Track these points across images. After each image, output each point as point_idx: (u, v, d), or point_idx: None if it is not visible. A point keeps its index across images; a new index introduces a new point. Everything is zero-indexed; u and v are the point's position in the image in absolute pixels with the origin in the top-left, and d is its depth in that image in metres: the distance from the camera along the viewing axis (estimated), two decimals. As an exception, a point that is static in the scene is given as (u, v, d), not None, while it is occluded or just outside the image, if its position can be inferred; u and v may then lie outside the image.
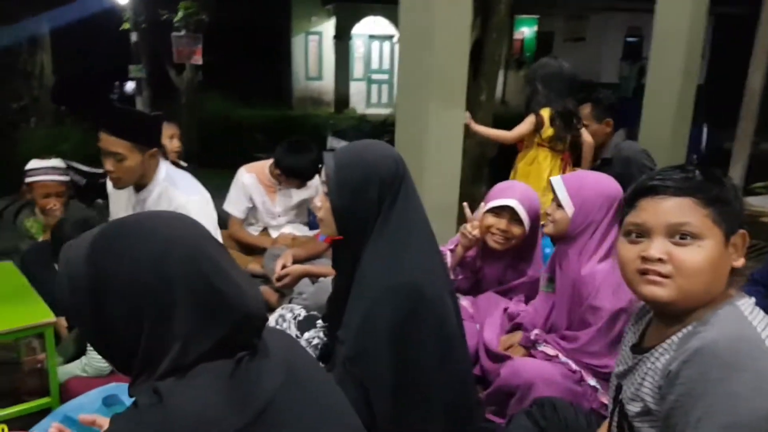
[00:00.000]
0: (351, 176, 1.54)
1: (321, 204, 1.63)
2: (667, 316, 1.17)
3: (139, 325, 0.88)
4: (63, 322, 2.21)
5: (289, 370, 0.99)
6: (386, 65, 15.80)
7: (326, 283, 2.40)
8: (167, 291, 0.88)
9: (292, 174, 3.08)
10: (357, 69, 15.56)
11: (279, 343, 1.03)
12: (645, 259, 1.13)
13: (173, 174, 2.34)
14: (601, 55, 14.86)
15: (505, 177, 3.51)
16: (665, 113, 3.98)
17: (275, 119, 12.27)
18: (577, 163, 3.50)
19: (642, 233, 1.16)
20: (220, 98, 12.66)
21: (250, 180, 3.20)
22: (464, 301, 2.30)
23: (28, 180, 2.70)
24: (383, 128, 11.18)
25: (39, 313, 1.77)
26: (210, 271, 0.92)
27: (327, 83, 15.43)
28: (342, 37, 15.04)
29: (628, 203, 1.22)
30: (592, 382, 1.79)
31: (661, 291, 1.11)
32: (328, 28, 15.27)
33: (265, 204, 3.25)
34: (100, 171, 6.68)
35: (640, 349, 1.23)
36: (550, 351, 1.90)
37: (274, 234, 3.30)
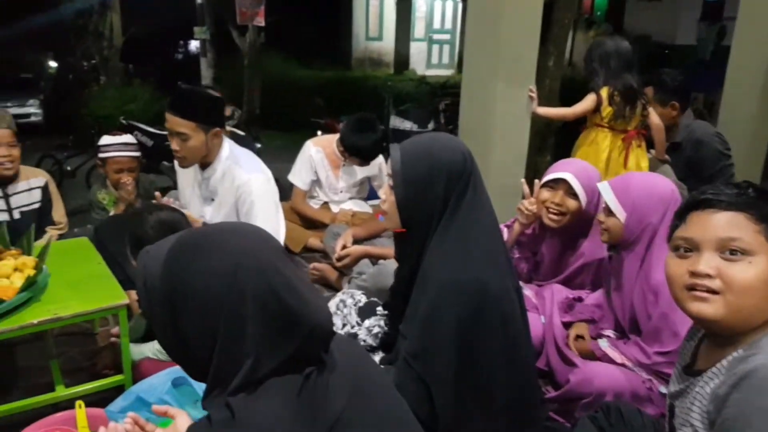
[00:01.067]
0: (417, 170, 1.51)
1: (385, 197, 1.61)
2: (718, 336, 1.13)
3: (212, 341, 0.90)
4: (134, 295, 2.30)
5: (356, 384, 0.99)
6: (448, 25, 15.32)
7: (386, 266, 2.40)
8: (239, 307, 0.89)
9: (355, 153, 3.09)
10: (418, 29, 15.12)
11: (346, 356, 1.03)
12: (693, 275, 1.09)
13: (236, 152, 2.39)
14: (678, 15, 13.89)
15: (570, 146, 3.41)
16: (750, 91, 3.66)
17: (333, 81, 12.22)
18: (650, 146, 3.31)
19: (691, 248, 1.12)
20: (281, 60, 12.71)
21: (317, 154, 3.23)
22: (528, 291, 2.24)
23: (101, 155, 2.79)
24: (443, 90, 10.95)
25: (113, 294, 1.84)
26: (280, 287, 0.92)
27: (387, 44, 15.16)
28: (402, -5, 14.69)
29: (679, 217, 1.18)
30: (663, 389, 1.72)
31: (708, 308, 1.07)
32: (389, -15, 14.93)
33: (328, 178, 3.28)
34: (166, 132, 6.92)
35: (691, 371, 1.19)
36: (618, 358, 1.84)
37: (334, 209, 3.32)
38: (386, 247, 2.54)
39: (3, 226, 2.10)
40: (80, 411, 1.70)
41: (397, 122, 2.43)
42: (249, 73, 11.21)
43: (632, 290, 1.83)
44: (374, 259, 2.56)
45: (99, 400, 1.83)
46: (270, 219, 2.35)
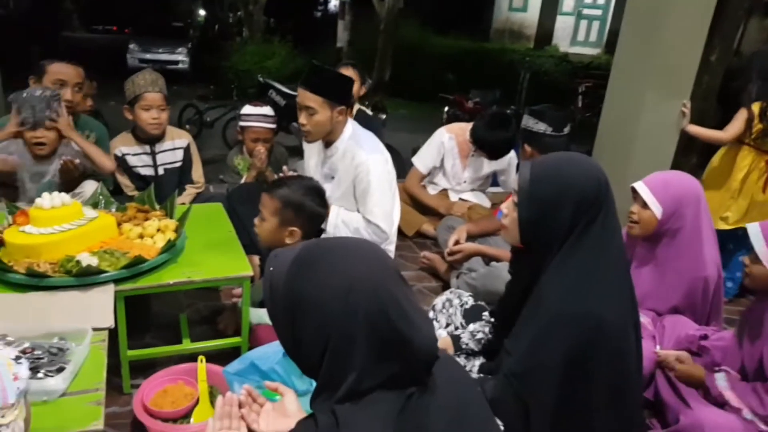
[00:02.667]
0: (544, 192, 1.45)
1: (507, 211, 1.57)
2: None
3: (323, 351, 0.96)
4: (256, 261, 2.46)
5: (456, 410, 1.01)
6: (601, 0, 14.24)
7: (498, 269, 2.36)
8: (350, 325, 0.94)
9: (484, 148, 3.03)
10: (567, 1, 14.12)
11: (449, 381, 1.04)
12: None
13: (359, 133, 2.48)
14: None
15: (717, 147, 3.11)
16: None
17: (468, 51, 11.94)
18: None
19: None
20: (417, 26, 12.62)
21: (449, 141, 3.22)
22: (645, 318, 2.11)
23: (241, 124, 2.97)
24: (585, 71, 10.33)
25: (240, 265, 1.98)
26: (391, 310, 0.95)
27: (531, 16, 14.43)
28: (558, -35, 13.83)
29: None
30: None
31: None
32: (541, -46, 14.12)
33: (454, 167, 3.26)
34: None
35: None
36: (734, 401, 1.69)
37: (453, 197, 3.30)
38: (501, 248, 2.49)
39: (151, 188, 2.32)
40: (201, 366, 1.88)
41: (530, 122, 2.31)
42: (383, 39, 11.28)
43: (682, 280, 1.87)
44: (487, 258, 2.52)
45: (218, 355, 2.01)
46: (384, 200, 2.40)
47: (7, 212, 2.03)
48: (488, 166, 3.25)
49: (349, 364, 0.94)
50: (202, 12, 20.36)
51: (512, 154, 3.15)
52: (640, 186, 2.04)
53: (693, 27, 2.17)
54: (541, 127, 2.38)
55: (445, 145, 3.23)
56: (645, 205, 2.02)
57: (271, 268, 1.05)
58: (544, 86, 10.22)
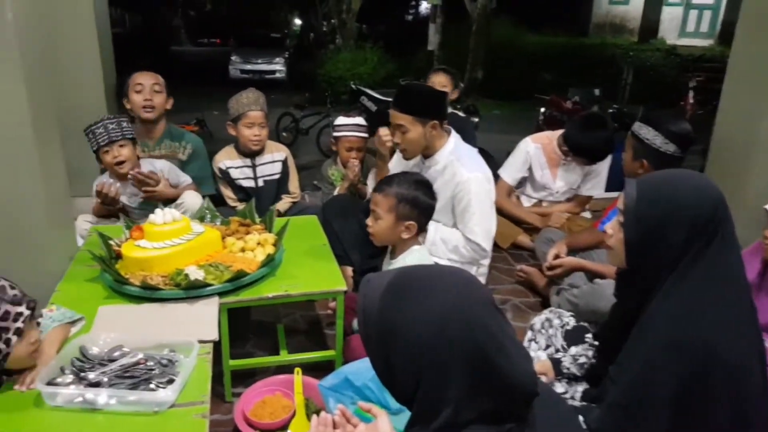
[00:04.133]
0: (653, 213, 1.35)
1: (612, 232, 1.48)
2: None
3: (416, 382, 0.94)
4: (348, 272, 2.50)
5: None
6: (713, -12, 13.18)
7: (602, 287, 2.23)
8: (444, 358, 0.91)
9: (581, 152, 2.88)
10: (674, -9, 13.33)
11: (548, 418, 1.00)
12: None
13: (461, 148, 2.43)
14: None
15: None
16: None
17: (565, 47, 11.51)
18: None
19: None
20: (510, 25, 12.34)
21: (535, 151, 3.10)
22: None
23: (335, 134, 3.03)
24: (696, 64, 9.63)
25: (334, 279, 2.02)
26: (487, 344, 0.92)
27: (634, 8, 13.67)
28: (664, -45, 12.98)
29: None
30: None
31: None
32: (646, -58, 13.32)
33: (543, 177, 3.13)
34: (389, 99, 7.21)
35: None
36: None
37: (526, 203, 3.18)
38: (605, 263, 2.36)
39: (252, 202, 2.41)
40: (297, 377, 1.92)
41: (642, 131, 2.06)
42: (475, 40, 11.13)
43: None
44: (589, 273, 2.40)
45: (313, 366, 2.05)
46: (485, 218, 2.36)
47: (125, 227, 2.19)
48: (581, 174, 3.08)
49: (445, 396, 0.92)
50: (297, 22, 21.17)
51: (607, 161, 2.97)
52: None
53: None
54: (670, 148, 2.17)
55: (531, 155, 3.12)
56: None
57: (365, 294, 1.04)
58: (649, 82, 9.64)
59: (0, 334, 1.34)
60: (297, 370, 1.93)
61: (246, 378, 2.07)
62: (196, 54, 22.24)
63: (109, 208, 2.54)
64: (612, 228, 1.49)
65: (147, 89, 2.77)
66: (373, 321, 0.99)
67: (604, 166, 3.03)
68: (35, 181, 1.98)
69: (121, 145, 2.49)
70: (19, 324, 1.36)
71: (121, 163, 2.49)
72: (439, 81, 3.37)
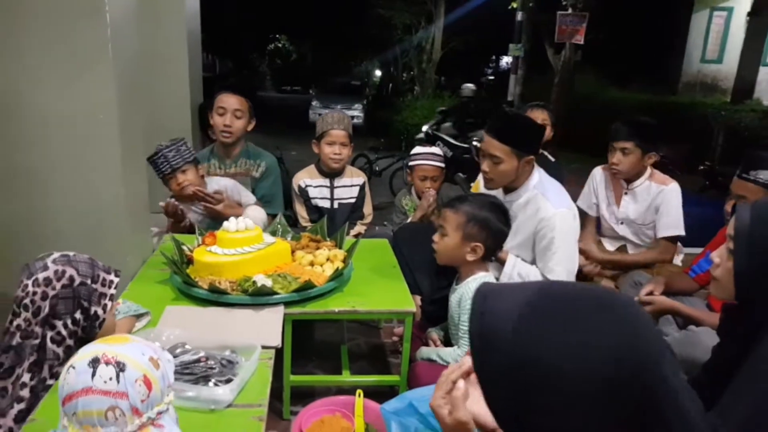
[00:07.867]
0: None
1: (720, 260, 1.32)
2: None
3: (569, 428, 0.73)
4: (418, 301, 2.39)
5: None
6: (815, 47, 12.54)
7: (697, 335, 2.01)
8: (613, 400, 0.71)
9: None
10: (771, 51, 12.77)
11: None
12: None
13: (546, 183, 2.26)
14: None
15: None
16: None
17: (651, 105, 11.14)
18: None
19: None
20: (594, 79, 12.15)
21: (600, 174, 2.86)
22: None
23: (410, 163, 3.00)
24: (793, 128, 9.05)
25: (403, 300, 1.94)
26: (657, 385, 0.71)
27: (727, 67, 13.06)
28: (760, 13, 12.47)
29: None
30: None
31: None
32: (741, 2, 12.88)
33: (609, 205, 2.83)
34: (465, 146, 7.17)
35: None
36: None
37: (608, 246, 2.88)
38: (700, 308, 2.14)
39: (324, 219, 2.39)
40: (359, 400, 1.83)
41: (762, 175, 1.83)
42: (557, 92, 11.01)
43: None
44: (682, 319, 2.18)
45: (375, 392, 1.95)
46: (567, 257, 2.19)
47: (198, 234, 2.21)
48: (647, 206, 2.69)
49: None
50: (378, 72, 21.91)
51: (674, 185, 2.62)
52: None
53: None
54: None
55: (596, 178, 2.86)
56: None
57: (482, 312, 0.81)
58: (743, 142, 9.12)
59: (99, 299, 1.40)
60: (359, 392, 1.84)
61: (305, 397, 2.00)
62: (279, 99, 23.26)
63: (180, 226, 2.59)
64: (719, 256, 1.33)
65: (229, 114, 2.81)
66: (504, 348, 0.76)
67: (673, 204, 2.67)
68: (118, 189, 2.04)
69: (183, 171, 2.54)
70: (113, 290, 1.43)
71: (185, 187, 2.54)
72: (540, 117, 3.26)
